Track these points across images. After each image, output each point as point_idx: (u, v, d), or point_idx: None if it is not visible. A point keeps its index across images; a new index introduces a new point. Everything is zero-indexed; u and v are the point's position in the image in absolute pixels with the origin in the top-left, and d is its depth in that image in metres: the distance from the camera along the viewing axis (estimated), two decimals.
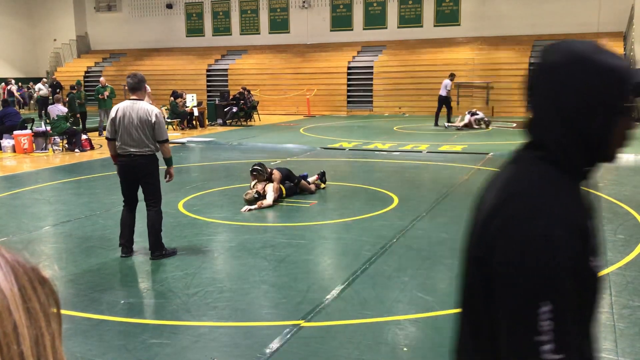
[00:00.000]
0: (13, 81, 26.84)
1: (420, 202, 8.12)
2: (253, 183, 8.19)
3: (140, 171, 5.85)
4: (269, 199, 7.85)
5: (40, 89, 24.40)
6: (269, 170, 8.22)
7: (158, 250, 5.93)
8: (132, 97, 5.86)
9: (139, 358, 3.82)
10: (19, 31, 30.78)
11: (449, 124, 18.50)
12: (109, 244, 6.44)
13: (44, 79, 26.47)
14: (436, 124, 18.90)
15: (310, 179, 8.92)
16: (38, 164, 12.45)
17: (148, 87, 18.42)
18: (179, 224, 7.19)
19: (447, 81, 18.89)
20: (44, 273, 0.59)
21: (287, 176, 8.48)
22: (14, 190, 9.54)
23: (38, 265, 0.59)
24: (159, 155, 5.96)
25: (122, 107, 5.82)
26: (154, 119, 5.75)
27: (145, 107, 5.78)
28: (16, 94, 24.75)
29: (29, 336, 0.52)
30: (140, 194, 6.02)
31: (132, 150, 5.79)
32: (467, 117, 18.26)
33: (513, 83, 23.08)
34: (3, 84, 27.75)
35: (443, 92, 18.82)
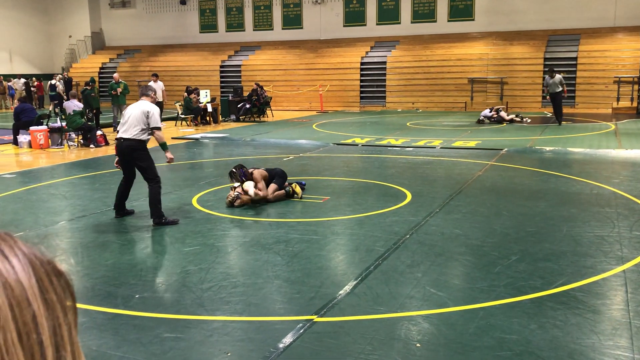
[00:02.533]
0: (59, 76, 26.91)
1: (434, 198, 8.09)
2: (236, 185, 8.08)
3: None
4: (250, 191, 7.75)
5: (56, 85, 24.59)
6: (250, 171, 8.06)
7: (157, 218, 6.82)
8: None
9: (153, 352, 3.85)
10: (35, 28, 31.06)
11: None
12: (124, 239, 6.50)
13: (59, 75, 26.69)
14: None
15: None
16: (54, 159, 12.58)
17: (161, 84, 18.58)
18: (193, 219, 7.24)
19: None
20: (60, 266, 0.60)
21: (277, 176, 8.16)
22: (31, 185, 9.65)
23: (54, 259, 0.60)
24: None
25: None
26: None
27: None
28: (59, 86, 24.54)
29: (47, 326, 0.53)
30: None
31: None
32: (504, 114, 18.06)
33: (527, 78, 22.92)
34: (34, 79, 28.03)
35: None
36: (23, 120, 14.52)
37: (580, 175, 9.58)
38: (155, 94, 7.37)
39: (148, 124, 6.93)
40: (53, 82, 24.57)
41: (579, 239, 6.16)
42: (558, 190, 8.57)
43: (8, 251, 0.55)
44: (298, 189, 8.17)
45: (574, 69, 22.31)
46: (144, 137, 6.98)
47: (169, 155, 7.24)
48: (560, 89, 16.77)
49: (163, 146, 7.16)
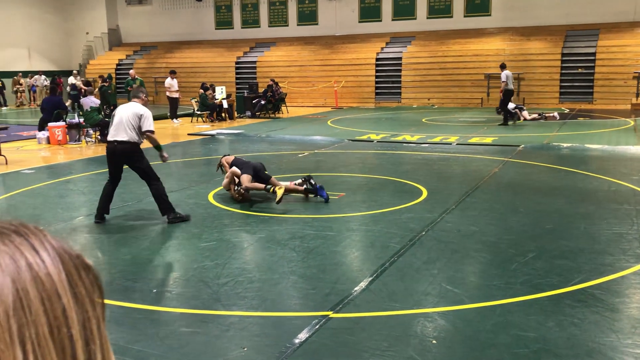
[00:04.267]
0: (76, 71, 27.12)
1: (450, 195, 8.06)
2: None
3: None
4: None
5: (76, 83, 24.83)
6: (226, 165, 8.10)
7: (171, 214, 6.77)
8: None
9: (170, 346, 3.88)
10: (53, 25, 31.37)
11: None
12: (141, 234, 6.55)
13: (75, 71, 26.95)
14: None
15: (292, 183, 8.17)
16: (72, 155, 12.71)
17: (175, 83, 18.70)
18: (209, 215, 7.28)
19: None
20: (88, 260, 0.61)
21: (246, 167, 7.91)
22: (50, 180, 9.76)
23: (82, 253, 0.61)
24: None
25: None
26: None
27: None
28: (80, 84, 24.76)
29: (77, 320, 0.53)
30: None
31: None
32: (526, 112, 17.84)
33: (544, 74, 22.68)
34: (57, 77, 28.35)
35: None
36: (44, 117, 14.67)
37: (599, 172, 9.47)
38: (145, 96, 7.25)
39: (140, 127, 6.81)
40: (73, 81, 24.77)
41: (597, 237, 6.09)
42: (575, 187, 8.48)
43: (38, 245, 0.56)
44: (280, 192, 7.36)
45: (592, 64, 22.04)
46: (137, 139, 6.86)
47: (164, 154, 7.14)
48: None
49: (158, 147, 7.06)
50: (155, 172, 7.01)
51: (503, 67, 16.86)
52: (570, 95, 22.37)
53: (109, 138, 6.94)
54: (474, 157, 11.25)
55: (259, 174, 7.83)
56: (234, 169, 7.89)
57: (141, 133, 6.87)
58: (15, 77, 27.91)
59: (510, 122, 16.68)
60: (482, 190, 8.36)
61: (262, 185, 7.64)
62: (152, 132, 6.91)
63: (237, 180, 7.89)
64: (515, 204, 7.49)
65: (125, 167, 7.05)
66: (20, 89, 27.80)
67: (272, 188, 7.53)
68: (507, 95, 16.55)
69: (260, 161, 8.21)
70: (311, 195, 7.94)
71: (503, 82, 16.50)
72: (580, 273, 5.04)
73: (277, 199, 7.34)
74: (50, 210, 7.70)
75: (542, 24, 23.78)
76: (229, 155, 8.53)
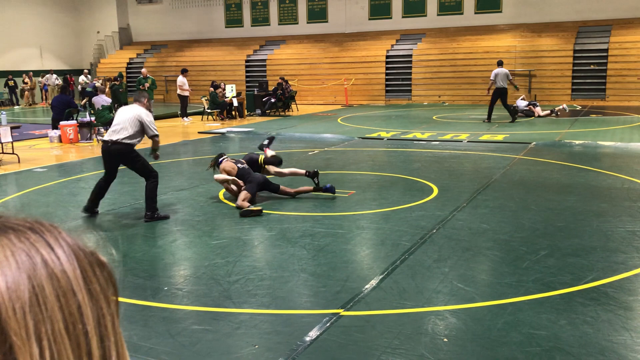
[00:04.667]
0: (86, 70, 27.31)
1: (461, 193, 8.02)
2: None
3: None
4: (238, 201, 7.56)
5: (84, 81, 25.00)
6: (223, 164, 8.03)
7: (150, 212, 6.91)
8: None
9: (182, 343, 3.90)
10: (65, 24, 31.57)
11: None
12: (152, 232, 6.58)
13: (86, 70, 27.12)
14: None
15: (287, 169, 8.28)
16: (83, 153, 12.79)
17: (186, 81, 18.85)
18: (220, 213, 7.30)
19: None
20: (102, 257, 0.61)
21: (252, 183, 7.75)
22: (62, 179, 9.83)
23: (96, 250, 0.61)
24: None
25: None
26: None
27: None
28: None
29: (92, 316, 0.53)
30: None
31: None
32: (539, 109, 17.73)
33: (556, 71, 22.52)
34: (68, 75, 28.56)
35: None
36: (54, 117, 14.78)
37: (611, 170, 9.39)
38: (147, 100, 7.21)
39: (142, 131, 6.93)
40: (87, 81, 24.91)
41: (610, 234, 6.04)
42: (588, 184, 8.42)
43: (53, 242, 0.56)
44: (255, 209, 7.12)
45: (604, 60, 21.85)
46: (133, 141, 6.92)
47: (157, 154, 7.36)
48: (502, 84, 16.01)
49: (156, 149, 7.28)
50: (153, 168, 7.14)
51: (499, 64, 16.42)
52: (583, 92, 22.20)
53: (105, 137, 7.10)
54: (485, 155, 11.20)
55: (266, 187, 7.81)
56: (237, 180, 7.73)
57: (150, 137, 7.03)
58: (23, 75, 28.13)
59: (507, 121, 16.44)
60: (493, 187, 8.32)
61: (249, 205, 7.28)
62: (157, 136, 7.11)
63: (233, 187, 7.80)
64: (527, 202, 7.45)
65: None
66: (27, 87, 27.94)
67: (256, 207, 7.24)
68: (497, 93, 16.12)
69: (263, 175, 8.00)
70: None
71: (491, 80, 16.24)
72: (593, 271, 5.01)
73: (245, 210, 7.10)
74: (62, 208, 7.76)
75: (554, 20, 23.61)
76: (225, 157, 8.07)
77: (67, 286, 0.53)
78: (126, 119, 6.88)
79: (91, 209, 7.20)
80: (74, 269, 0.55)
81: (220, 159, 8.06)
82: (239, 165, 7.94)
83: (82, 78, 25.48)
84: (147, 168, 7.03)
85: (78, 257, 0.57)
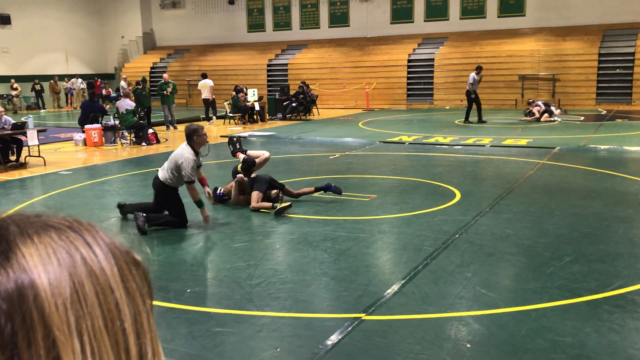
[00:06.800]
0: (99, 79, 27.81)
1: (483, 197, 7.95)
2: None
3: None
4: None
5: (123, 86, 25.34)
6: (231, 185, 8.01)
7: (145, 220, 6.61)
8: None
9: (204, 345, 3.92)
10: (90, 29, 32.08)
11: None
12: (175, 235, 6.64)
13: (124, 77, 27.49)
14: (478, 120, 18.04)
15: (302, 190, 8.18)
16: (107, 156, 12.96)
17: (210, 82, 19.16)
18: (242, 216, 7.33)
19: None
20: (138, 256, 0.62)
21: (259, 182, 7.86)
22: (87, 182, 9.97)
23: (132, 249, 0.62)
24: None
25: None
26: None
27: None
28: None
29: (129, 314, 0.54)
30: None
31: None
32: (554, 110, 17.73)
33: (581, 75, 22.23)
34: (98, 79, 29.02)
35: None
36: (81, 121, 15.01)
37: (638, 175, 9.23)
38: (199, 137, 6.76)
39: (178, 175, 6.63)
40: (126, 86, 25.28)
41: (637, 241, 5.94)
42: (613, 190, 8.29)
43: (91, 240, 0.57)
44: (284, 205, 7.36)
45: (631, 64, 21.51)
46: (169, 182, 6.72)
47: (204, 213, 6.70)
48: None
49: (198, 204, 6.68)
50: (185, 216, 6.76)
51: (477, 69, 17.62)
52: (608, 97, 21.87)
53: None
54: (508, 159, 11.09)
55: (274, 185, 7.84)
56: (244, 181, 7.77)
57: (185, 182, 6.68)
58: (51, 81, 28.61)
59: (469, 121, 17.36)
60: (516, 192, 8.23)
61: (270, 204, 7.52)
62: (190, 182, 6.61)
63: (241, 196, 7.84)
64: (551, 207, 7.35)
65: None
66: (57, 90, 28.47)
67: (280, 201, 7.56)
68: (468, 95, 17.53)
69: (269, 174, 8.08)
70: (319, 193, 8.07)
71: (470, 83, 17.28)
72: (619, 278, 4.92)
73: (279, 208, 7.26)
74: (88, 211, 7.86)
75: (578, 24, 23.32)
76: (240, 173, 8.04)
77: (106, 284, 0.54)
78: (170, 157, 6.78)
79: (124, 211, 7.20)
80: (111, 267, 0.56)
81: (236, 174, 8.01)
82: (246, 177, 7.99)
83: (122, 84, 25.78)
84: (177, 211, 6.78)
85: (115, 255, 0.58)
